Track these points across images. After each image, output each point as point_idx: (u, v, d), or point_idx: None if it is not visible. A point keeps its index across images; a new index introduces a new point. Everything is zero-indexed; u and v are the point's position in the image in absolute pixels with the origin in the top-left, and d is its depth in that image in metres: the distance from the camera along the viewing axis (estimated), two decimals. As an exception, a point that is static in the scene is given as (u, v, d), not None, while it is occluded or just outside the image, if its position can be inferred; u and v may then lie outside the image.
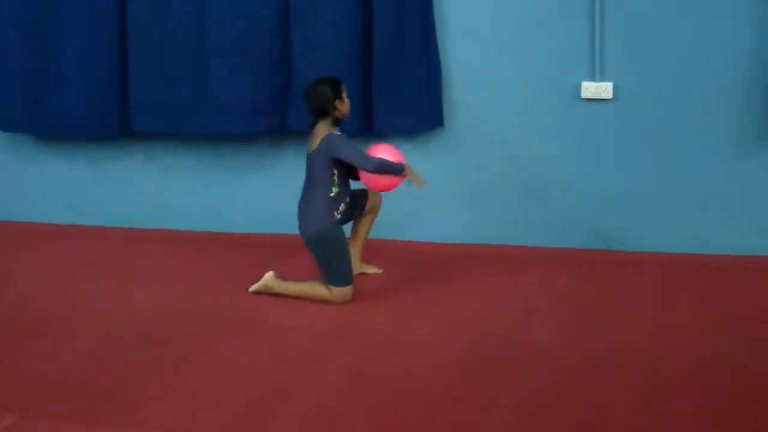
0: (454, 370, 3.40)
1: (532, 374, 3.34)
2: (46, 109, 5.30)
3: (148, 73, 5.07)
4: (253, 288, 4.22)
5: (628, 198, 4.69)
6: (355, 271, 4.37)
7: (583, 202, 4.75)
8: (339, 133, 4.08)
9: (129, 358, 3.60)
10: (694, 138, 4.55)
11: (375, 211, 4.39)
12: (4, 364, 3.57)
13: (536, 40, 4.66)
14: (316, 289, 4.13)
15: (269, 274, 4.21)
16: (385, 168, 4.01)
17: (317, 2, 4.78)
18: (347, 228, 4.28)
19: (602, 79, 4.60)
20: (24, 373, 3.48)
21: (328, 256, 4.07)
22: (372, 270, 4.53)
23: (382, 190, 4.20)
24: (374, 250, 4.64)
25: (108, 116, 5.21)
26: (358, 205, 4.27)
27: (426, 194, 4.92)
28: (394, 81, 4.76)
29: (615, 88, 4.59)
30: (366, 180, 4.10)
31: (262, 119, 4.97)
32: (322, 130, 4.05)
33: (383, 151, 4.11)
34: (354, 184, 4.22)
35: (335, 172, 4.05)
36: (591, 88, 4.61)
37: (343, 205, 4.11)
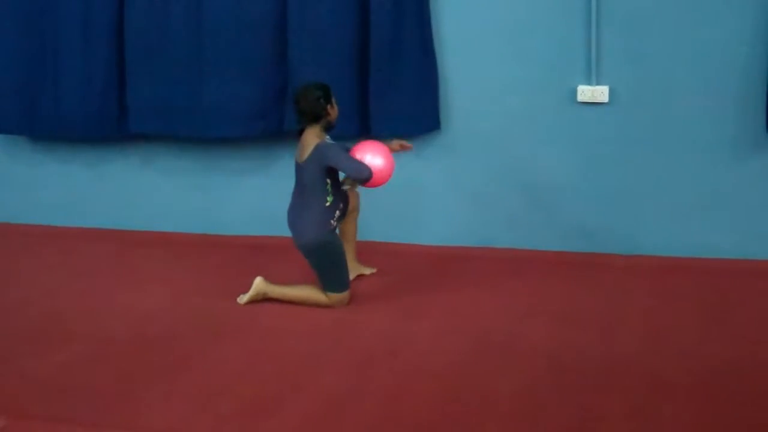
0: (451, 373, 3.40)
1: (528, 377, 3.34)
2: (42, 110, 5.30)
3: (145, 75, 5.08)
4: (244, 299, 4.17)
5: (624, 201, 4.69)
6: (353, 274, 4.36)
7: (580, 206, 4.75)
8: (330, 141, 4.04)
9: (125, 360, 3.60)
10: (690, 141, 4.56)
11: (356, 209, 4.39)
12: (1, 365, 3.57)
13: (533, 43, 4.67)
14: (312, 294, 4.12)
15: (258, 280, 4.17)
16: (375, 169, 3.97)
17: (314, 6, 4.79)
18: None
19: (598, 83, 4.60)
20: (20, 375, 3.48)
21: (326, 264, 4.05)
22: (368, 271, 4.53)
23: (378, 186, 4.12)
24: (371, 252, 4.65)
25: (105, 118, 5.21)
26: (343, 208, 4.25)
27: (423, 197, 4.94)
28: (390, 84, 4.77)
29: (611, 92, 4.59)
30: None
31: (259, 122, 4.98)
32: (312, 138, 4.00)
33: (368, 148, 4.05)
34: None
35: (328, 180, 4.01)
36: (587, 92, 4.61)
37: (338, 212, 4.10)
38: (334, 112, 4.08)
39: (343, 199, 4.19)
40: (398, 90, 4.77)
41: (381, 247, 4.84)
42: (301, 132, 4.09)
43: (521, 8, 4.66)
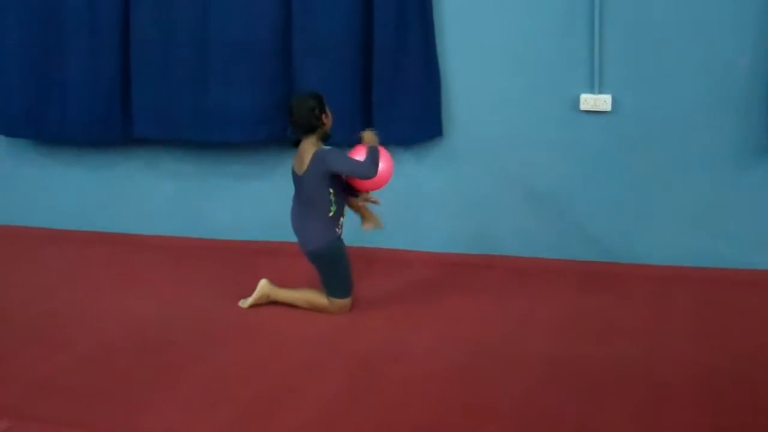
0: (451, 380, 3.40)
1: (528, 384, 3.34)
2: (48, 115, 5.32)
3: (150, 80, 5.10)
4: (248, 302, 4.18)
5: (625, 210, 4.69)
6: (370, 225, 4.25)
7: (582, 214, 4.75)
8: (327, 147, 4.03)
9: (126, 364, 3.61)
10: (692, 151, 4.56)
11: None
12: (2, 367, 3.58)
13: (536, 51, 4.68)
14: (314, 298, 4.13)
15: (263, 283, 4.19)
16: (375, 161, 3.95)
17: (318, 12, 4.81)
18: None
19: (601, 92, 4.61)
20: (21, 377, 3.49)
21: (330, 270, 4.06)
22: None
23: (379, 187, 4.13)
24: (372, 259, 4.66)
25: (110, 122, 5.23)
26: None
27: (425, 204, 4.95)
28: (393, 90, 4.78)
29: (614, 101, 4.59)
30: (360, 185, 4.07)
31: (263, 127, 4.99)
32: (309, 148, 3.99)
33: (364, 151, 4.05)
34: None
35: (330, 190, 4.00)
36: (590, 100, 4.62)
37: (342, 218, 4.09)
38: (328, 121, 4.06)
39: (344, 208, 4.18)
40: (401, 97, 4.78)
41: (382, 254, 4.85)
42: (296, 143, 4.08)
43: (525, 17, 4.67)
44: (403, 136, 4.80)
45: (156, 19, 5.04)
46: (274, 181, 5.17)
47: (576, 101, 4.65)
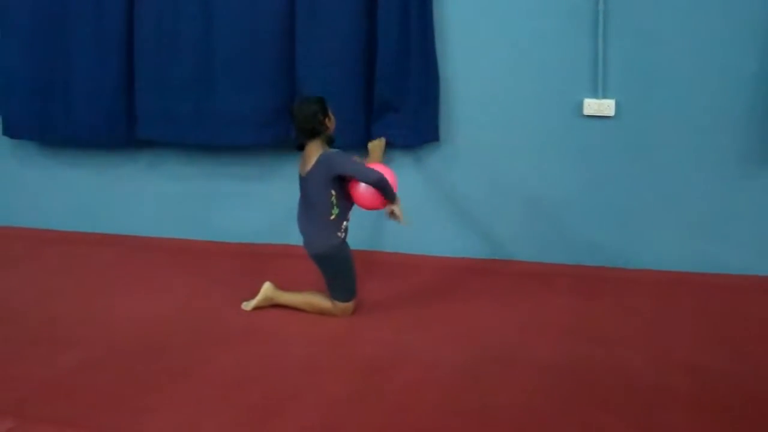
0: (452, 384, 3.41)
1: (528, 389, 3.35)
2: (53, 117, 5.35)
3: (154, 83, 5.12)
4: (251, 305, 4.19)
5: (628, 215, 4.70)
6: None
7: (583, 219, 4.76)
8: (333, 150, 4.04)
9: (129, 365, 3.62)
10: (695, 156, 4.56)
11: None
12: (5, 368, 3.60)
13: (539, 56, 4.68)
14: (317, 301, 4.14)
15: (267, 285, 4.20)
16: (383, 187, 3.92)
17: (321, 16, 4.82)
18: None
19: (605, 96, 4.62)
20: (25, 378, 3.50)
21: (333, 272, 4.06)
22: None
23: (365, 208, 4.09)
24: (373, 264, 4.66)
25: (114, 125, 5.25)
26: None
27: (425, 208, 4.95)
28: (394, 96, 4.79)
29: (617, 106, 4.60)
30: (354, 195, 4.03)
31: (267, 131, 5.01)
32: (314, 150, 3.99)
33: (382, 171, 4.04)
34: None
35: (333, 193, 3.99)
36: (593, 105, 4.63)
37: (345, 223, 4.09)
38: (331, 124, 4.06)
39: (349, 212, 4.19)
40: (401, 102, 4.79)
41: (385, 258, 4.85)
42: (301, 147, 4.08)
43: (527, 21, 4.68)
44: (399, 140, 4.80)
45: (160, 22, 5.06)
46: (278, 184, 5.18)
47: (579, 106, 4.66)
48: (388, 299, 4.35)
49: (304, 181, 4.06)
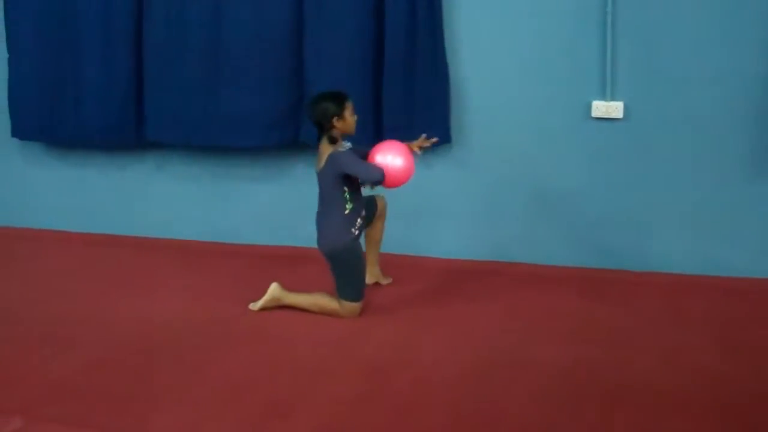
0: (460, 386, 3.40)
1: (535, 391, 3.34)
2: (62, 119, 5.37)
3: (163, 85, 5.13)
4: (258, 305, 4.19)
5: (637, 217, 4.69)
6: (372, 280, 4.37)
7: (593, 221, 4.75)
8: (343, 149, 4.03)
9: (136, 366, 3.62)
10: (704, 159, 4.55)
11: (383, 215, 4.38)
12: (14, 368, 3.60)
13: (548, 58, 4.68)
14: (325, 301, 4.14)
15: (274, 286, 4.20)
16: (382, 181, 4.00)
17: (330, 18, 4.83)
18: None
19: (613, 99, 4.61)
20: (33, 378, 3.50)
21: (343, 271, 4.05)
22: (385, 281, 4.54)
23: (396, 186, 4.12)
24: (384, 264, 4.65)
25: (123, 126, 5.27)
26: (367, 214, 4.26)
27: (436, 210, 4.95)
28: (403, 97, 4.79)
29: (626, 108, 4.60)
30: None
31: (275, 132, 5.01)
32: (326, 147, 4.01)
33: (388, 148, 4.08)
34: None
35: (346, 188, 4.02)
36: (602, 107, 4.62)
37: (359, 220, 4.10)
38: (344, 124, 4.01)
39: (365, 206, 4.20)
40: (410, 103, 4.79)
41: (394, 259, 4.84)
42: (319, 139, 4.09)
43: (536, 23, 4.68)
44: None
45: (169, 24, 5.08)
46: (285, 185, 5.19)
47: (588, 108, 4.65)
48: (395, 301, 4.34)
49: (318, 177, 4.07)
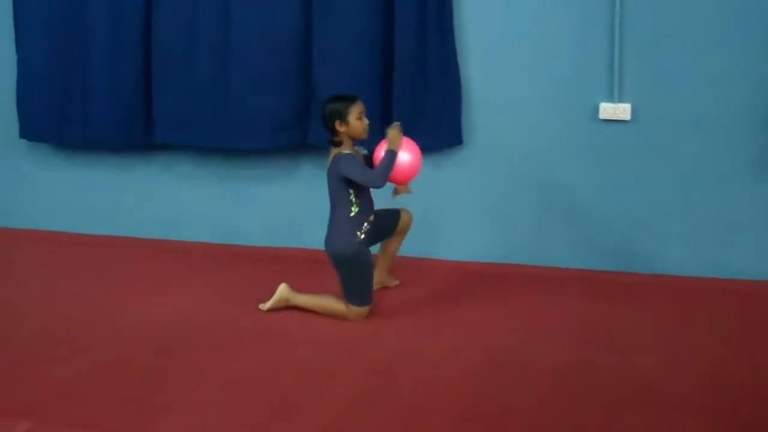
0: (467, 387, 3.40)
1: (542, 393, 3.33)
2: (71, 120, 5.39)
3: (171, 86, 5.15)
4: (267, 305, 4.20)
5: (645, 219, 4.68)
6: (379, 285, 4.37)
7: (600, 223, 4.74)
8: (347, 152, 4.00)
9: (143, 368, 3.62)
10: (711, 161, 4.54)
11: (406, 230, 4.36)
12: (21, 370, 3.61)
13: (555, 60, 4.68)
14: (333, 304, 4.14)
15: (282, 287, 4.20)
16: (388, 168, 3.93)
17: (339, 19, 4.83)
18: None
19: (620, 101, 4.60)
20: (40, 380, 3.51)
21: (350, 275, 4.04)
22: (393, 283, 4.54)
23: (406, 181, 4.10)
24: (391, 266, 4.65)
25: (132, 128, 5.28)
26: (388, 224, 4.25)
27: (444, 212, 4.95)
28: (413, 98, 4.79)
29: (633, 110, 4.59)
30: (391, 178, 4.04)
31: (283, 134, 5.02)
32: (333, 149, 4.03)
33: (407, 145, 4.05)
34: (388, 203, 4.21)
35: (350, 191, 4.01)
36: (609, 109, 4.61)
37: (366, 224, 4.07)
38: (348, 129, 3.98)
39: (387, 216, 4.19)
40: (421, 104, 4.79)
41: (401, 262, 4.84)
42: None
43: (544, 25, 4.68)
44: (422, 144, 4.78)
45: (177, 25, 5.09)
46: (293, 187, 5.20)
47: (595, 110, 4.65)
48: (401, 302, 4.34)
49: (327, 177, 4.07)
